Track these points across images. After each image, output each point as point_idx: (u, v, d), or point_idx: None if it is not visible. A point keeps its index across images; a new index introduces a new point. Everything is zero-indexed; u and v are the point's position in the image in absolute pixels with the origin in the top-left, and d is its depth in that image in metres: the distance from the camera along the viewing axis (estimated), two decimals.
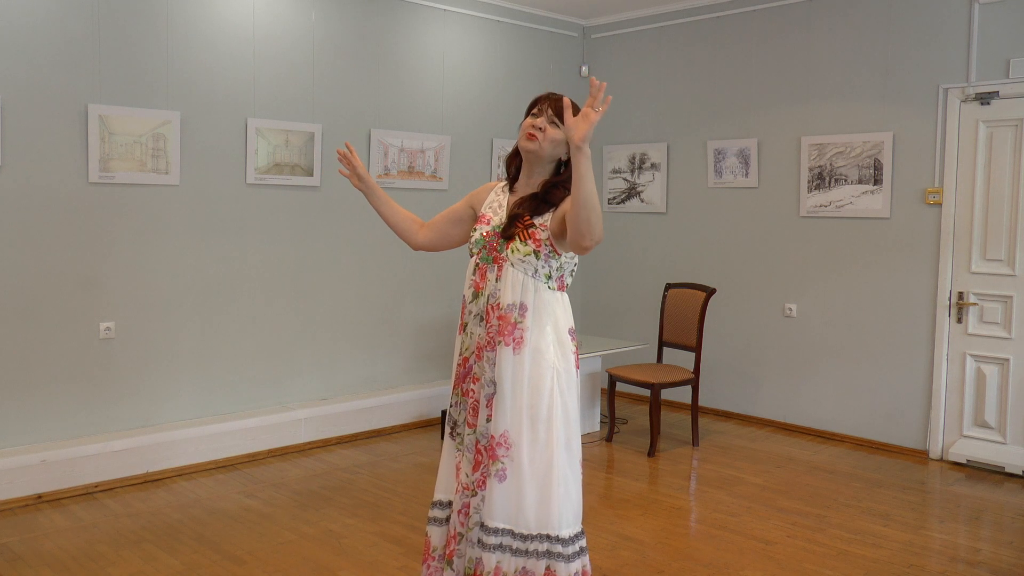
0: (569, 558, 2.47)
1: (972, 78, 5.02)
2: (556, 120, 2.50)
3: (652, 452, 5.34)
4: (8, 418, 4.41)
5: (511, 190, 2.67)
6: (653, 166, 6.65)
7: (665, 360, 5.95)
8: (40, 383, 4.50)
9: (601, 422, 5.97)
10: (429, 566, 2.67)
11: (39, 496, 4.38)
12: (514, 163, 2.66)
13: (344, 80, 5.57)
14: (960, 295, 5.14)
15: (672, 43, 6.50)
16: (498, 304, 2.50)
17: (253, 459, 5.13)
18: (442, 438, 2.70)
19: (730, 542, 3.95)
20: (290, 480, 4.78)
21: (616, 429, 5.86)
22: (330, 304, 5.62)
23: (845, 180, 5.56)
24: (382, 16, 5.74)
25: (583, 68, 6.98)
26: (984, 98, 4.98)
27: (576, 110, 2.29)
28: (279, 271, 5.37)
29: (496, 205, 2.64)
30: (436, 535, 2.67)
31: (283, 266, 5.38)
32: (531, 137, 2.52)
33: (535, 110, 2.56)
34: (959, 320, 5.14)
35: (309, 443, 5.39)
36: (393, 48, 5.81)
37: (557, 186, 2.53)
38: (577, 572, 2.49)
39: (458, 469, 2.59)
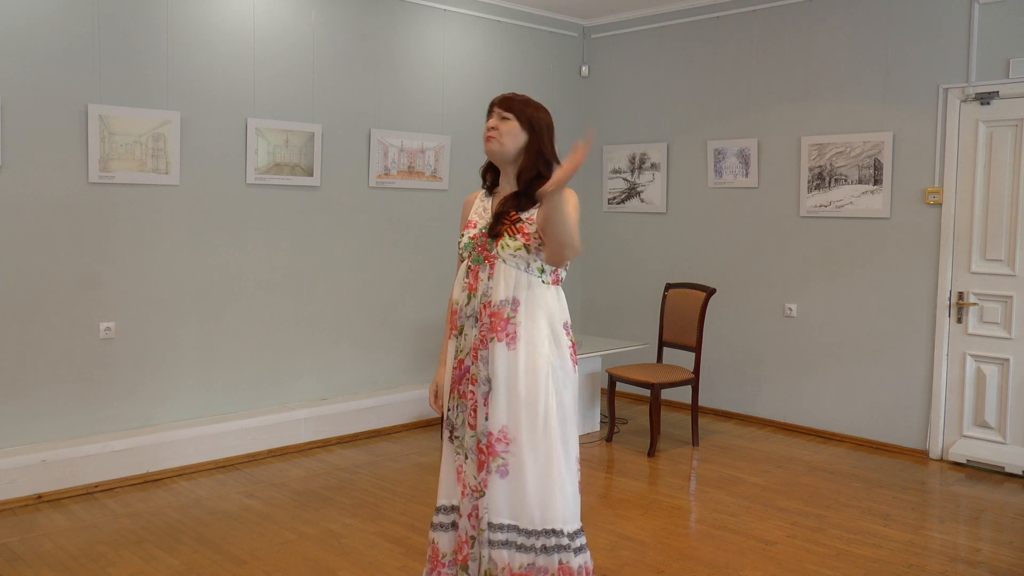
0: (576, 551, 2.50)
1: (972, 78, 5.02)
2: (506, 114, 2.58)
3: (652, 452, 5.34)
4: (8, 418, 4.41)
5: (493, 194, 2.71)
6: (653, 166, 6.65)
7: (665, 360, 5.95)
8: (40, 383, 4.50)
9: (601, 422, 5.97)
10: (440, 573, 2.63)
11: (39, 496, 4.38)
12: (487, 173, 2.72)
13: (344, 80, 5.57)
14: (960, 295, 5.14)
15: (672, 43, 6.50)
16: (489, 302, 2.52)
17: (253, 459, 5.13)
18: (442, 439, 2.71)
19: (730, 542, 3.95)
20: (290, 480, 4.78)
21: (616, 429, 5.86)
22: (330, 304, 5.62)
23: (845, 180, 5.56)
24: (382, 16, 5.74)
25: (583, 68, 6.98)
26: (984, 98, 4.98)
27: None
28: (279, 271, 5.37)
29: (481, 210, 2.68)
30: (444, 541, 2.64)
31: (283, 266, 5.38)
32: (489, 139, 2.60)
33: (488, 116, 2.65)
34: (959, 320, 5.14)
35: (309, 443, 5.39)
36: (393, 48, 5.81)
37: (535, 181, 2.57)
38: (582, 566, 2.52)
39: (460, 472, 2.58)
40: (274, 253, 5.33)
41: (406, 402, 5.90)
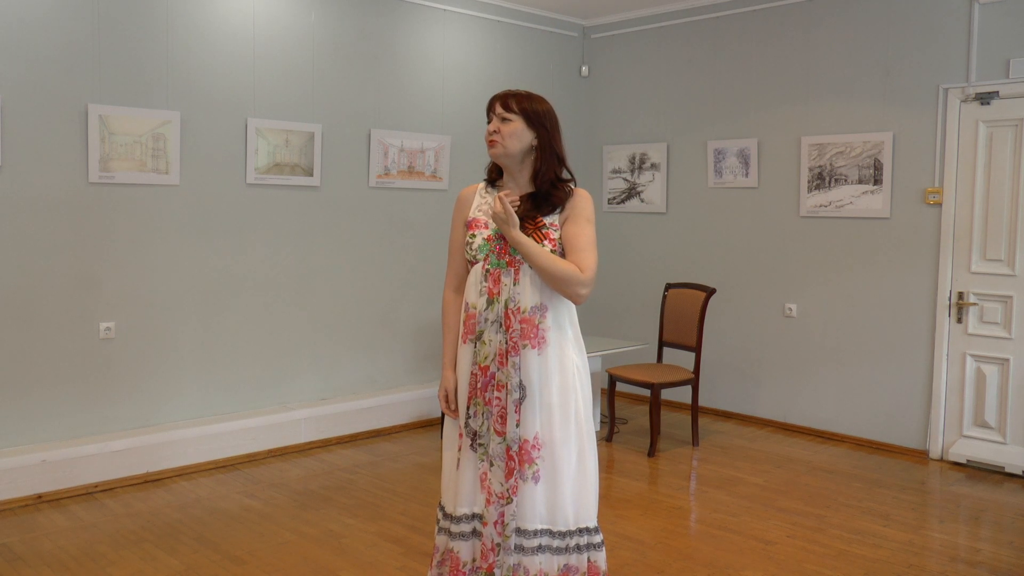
0: (599, 546, 2.53)
1: (972, 78, 5.02)
2: (507, 114, 2.53)
3: (652, 452, 5.34)
4: (8, 418, 4.41)
5: (496, 188, 2.64)
6: (653, 166, 6.65)
7: (665, 360, 5.95)
8: (40, 383, 4.50)
9: (601, 422, 5.97)
10: None
11: (39, 496, 4.38)
12: (495, 169, 2.66)
13: (344, 80, 5.57)
14: (960, 295, 5.14)
15: (672, 43, 6.50)
16: (519, 308, 2.47)
17: (253, 459, 5.13)
18: (441, 438, 2.68)
19: (730, 542, 3.95)
20: (290, 480, 4.78)
21: (616, 429, 5.86)
22: (330, 304, 5.62)
23: (845, 180, 5.56)
24: (382, 16, 5.74)
25: (583, 68, 6.98)
26: (984, 98, 4.98)
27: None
28: (279, 271, 5.37)
29: (487, 207, 2.60)
30: (465, 550, 2.54)
31: (283, 266, 5.38)
32: (492, 144, 2.55)
33: (488, 116, 2.60)
34: (959, 320, 5.14)
35: (309, 443, 5.39)
36: (393, 48, 5.81)
37: (556, 185, 2.54)
38: (605, 561, 2.55)
39: (483, 480, 2.51)
40: (274, 253, 5.33)
41: (406, 402, 5.90)
